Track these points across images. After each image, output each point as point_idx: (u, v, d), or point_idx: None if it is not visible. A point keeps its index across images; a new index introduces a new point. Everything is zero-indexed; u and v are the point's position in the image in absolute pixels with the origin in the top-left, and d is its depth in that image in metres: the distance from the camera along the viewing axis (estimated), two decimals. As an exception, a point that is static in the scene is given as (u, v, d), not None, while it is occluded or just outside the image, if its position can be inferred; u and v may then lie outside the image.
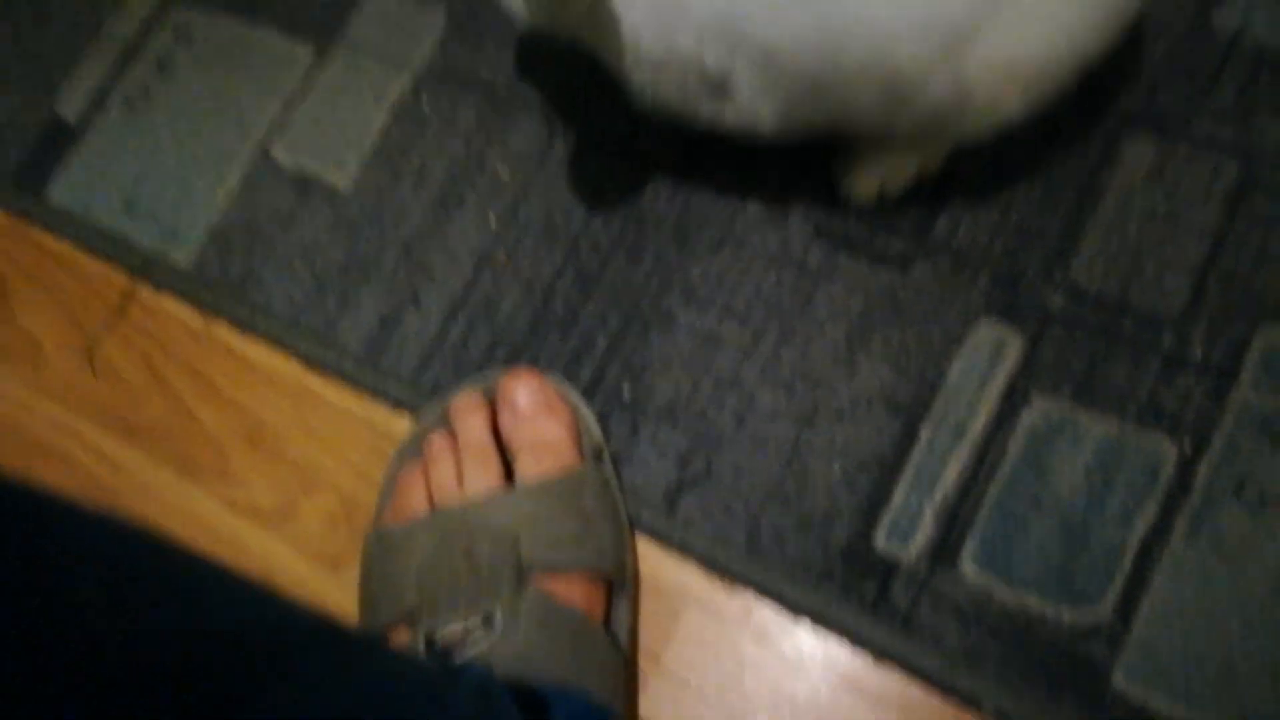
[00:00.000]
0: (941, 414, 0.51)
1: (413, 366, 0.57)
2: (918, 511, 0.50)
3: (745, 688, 0.49)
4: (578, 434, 0.51)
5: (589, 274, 0.57)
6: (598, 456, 0.52)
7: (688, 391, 0.54)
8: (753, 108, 0.46)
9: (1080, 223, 0.53)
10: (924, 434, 0.51)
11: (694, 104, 0.47)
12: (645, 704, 0.50)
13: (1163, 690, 0.46)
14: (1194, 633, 0.46)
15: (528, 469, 0.49)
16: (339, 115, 0.63)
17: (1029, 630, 0.48)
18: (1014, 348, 0.52)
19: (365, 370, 0.57)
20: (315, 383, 0.58)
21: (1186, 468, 0.49)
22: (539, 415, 0.50)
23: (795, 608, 0.50)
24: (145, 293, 0.62)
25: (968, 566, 0.49)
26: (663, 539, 0.52)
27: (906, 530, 0.50)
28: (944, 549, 0.49)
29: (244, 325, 0.60)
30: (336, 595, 0.54)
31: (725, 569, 0.51)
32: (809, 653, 0.49)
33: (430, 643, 0.45)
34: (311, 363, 0.58)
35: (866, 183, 0.54)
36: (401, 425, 0.56)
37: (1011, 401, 0.51)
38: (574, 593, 0.47)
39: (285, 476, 0.57)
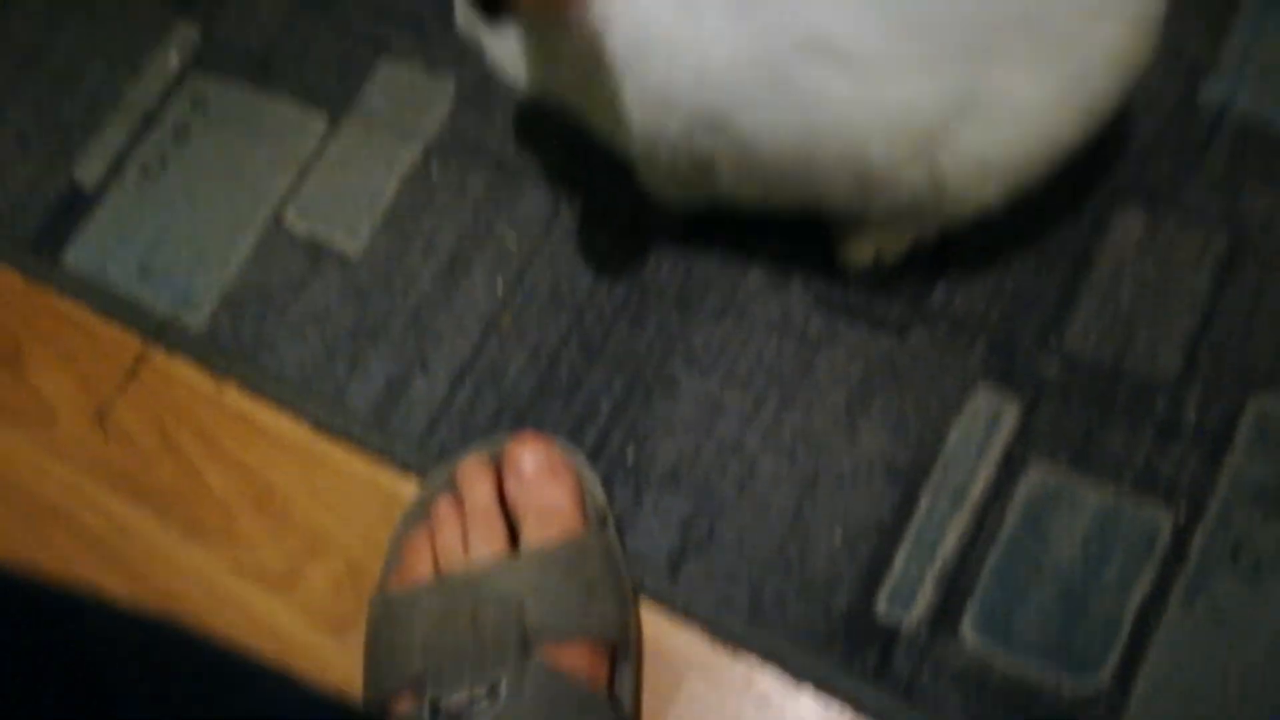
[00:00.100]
0: (941, 480, 0.52)
1: (420, 430, 0.58)
2: (918, 578, 0.51)
3: (748, 755, 0.50)
4: (582, 499, 0.52)
5: (593, 341, 0.58)
6: (602, 521, 0.52)
7: (690, 456, 0.55)
8: (734, 189, 0.48)
9: (1074, 291, 0.54)
10: (924, 500, 0.52)
11: (685, 180, 0.49)
12: (649, 771, 0.50)
13: (1164, 760, 0.46)
14: (1191, 701, 0.47)
15: (533, 535, 0.50)
16: (351, 183, 0.64)
17: (1029, 700, 0.48)
18: (1011, 414, 0.53)
19: (373, 434, 0.58)
20: (323, 447, 0.59)
21: (1182, 535, 0.49)
22: (544, 481, 0.51)
23: (798, 674, 0.50)
24: (158, 356, 0.63)
25: (968, 633, 0.49)
26: (665, 604, 0.52)
27: (907, 597, 0.50)
28: (944, 616, 0.50)
29: (254, 389, 0.61)
30: (341, 660, 0.54)
31: (728, 635, 0.51)
32: (811, 720, 0.50)
33: (435, 711, 0.45)
34: (320, 426, 0.59)
35: (862, 251, 0.55)
36: (408, 489, 0.57)
37: (1009, 468, 0.52)
38: (578, 660, 0.47)
39: (292, 540, 0.58)
